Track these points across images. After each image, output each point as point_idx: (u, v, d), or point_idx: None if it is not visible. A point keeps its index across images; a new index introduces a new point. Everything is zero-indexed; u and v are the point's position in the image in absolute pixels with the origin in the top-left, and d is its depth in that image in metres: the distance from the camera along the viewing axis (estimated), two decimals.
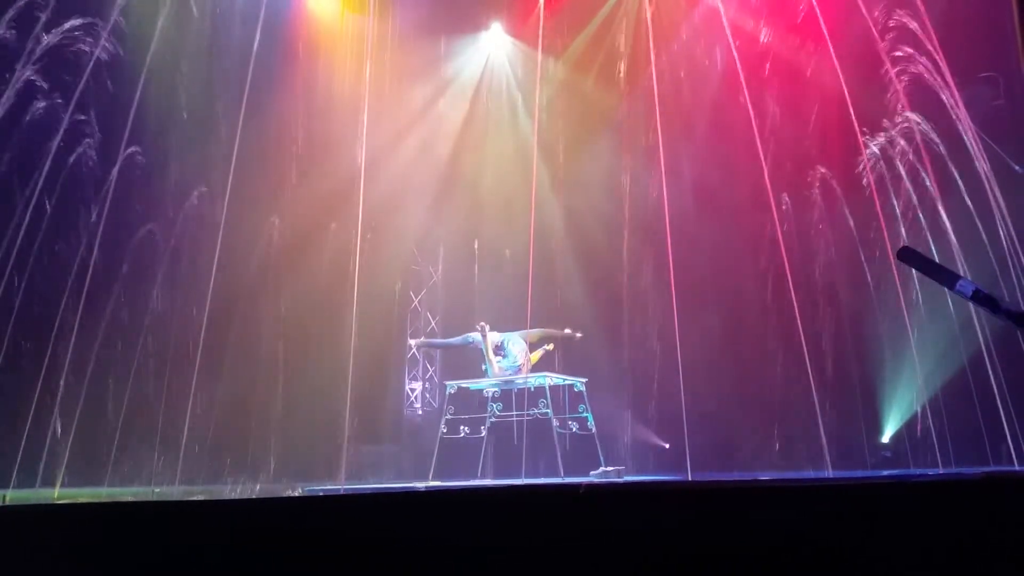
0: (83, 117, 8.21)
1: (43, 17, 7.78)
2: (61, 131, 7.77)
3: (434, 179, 11.52)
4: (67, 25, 8.03)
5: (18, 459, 7.03)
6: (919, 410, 8.52)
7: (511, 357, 8.45)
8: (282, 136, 9.72)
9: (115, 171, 7.73)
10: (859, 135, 9.43)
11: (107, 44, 8.27)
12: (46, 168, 7.60)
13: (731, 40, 9.67)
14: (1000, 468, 7.46)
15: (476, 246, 11.28)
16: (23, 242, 7.35)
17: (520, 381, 8.45)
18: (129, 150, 7.90)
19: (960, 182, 8.37)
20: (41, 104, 8.17)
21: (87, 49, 8.10)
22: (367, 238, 8.67)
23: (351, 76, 10.93)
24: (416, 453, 10.29)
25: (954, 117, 8.92)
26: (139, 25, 9.46)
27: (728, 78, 10.52)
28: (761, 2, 10.53)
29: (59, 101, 8.28)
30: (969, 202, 7.92)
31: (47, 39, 7.84)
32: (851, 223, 8.44)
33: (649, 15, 10.33)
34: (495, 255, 11.11)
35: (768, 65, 10.41)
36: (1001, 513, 2.25)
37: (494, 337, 8.61)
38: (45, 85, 8.13)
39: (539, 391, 8.31)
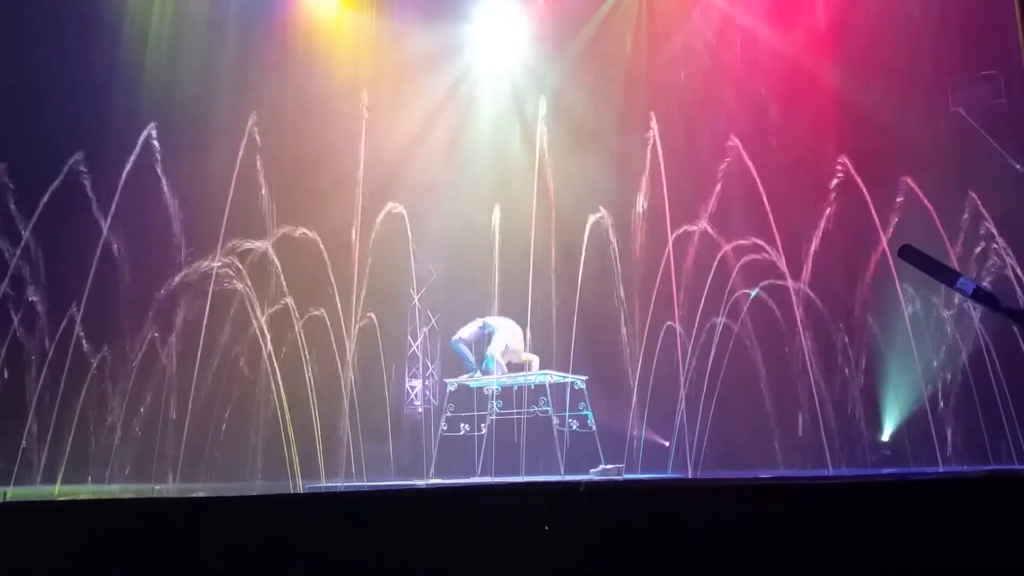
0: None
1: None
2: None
3: (434, 176, 11.50)
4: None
5: (18, 457, 7.04)
6: (919, 408, 8.52)
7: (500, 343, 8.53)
8: (282, 134, 9.71)
9: (124, 174, 7.73)
10: (856, 134, 9.44)
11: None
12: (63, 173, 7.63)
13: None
14: (1000, 467, 7.46)
15: (476, 245, 11.25)
16: (32, 244, 7.38)
17: (521, 379, 8.45)
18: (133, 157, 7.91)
19: (958, 181, 8.37)
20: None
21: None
22: (368, 238, 8.67)
23: (349, 75, 10.94)
24: (416, 450, 10.29)
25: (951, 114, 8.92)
26: (136, 28, 9.49)
27: (729, 77, 10.53)
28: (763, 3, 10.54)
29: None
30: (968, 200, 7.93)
31: None
32: (849, 221, 8.42)
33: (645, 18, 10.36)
34: (495, 252, 11.09)
35: (768, 63, 10.41)
36: (1001, 512, 2.25)
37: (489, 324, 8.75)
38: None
39: (539, 389, 8.31)
